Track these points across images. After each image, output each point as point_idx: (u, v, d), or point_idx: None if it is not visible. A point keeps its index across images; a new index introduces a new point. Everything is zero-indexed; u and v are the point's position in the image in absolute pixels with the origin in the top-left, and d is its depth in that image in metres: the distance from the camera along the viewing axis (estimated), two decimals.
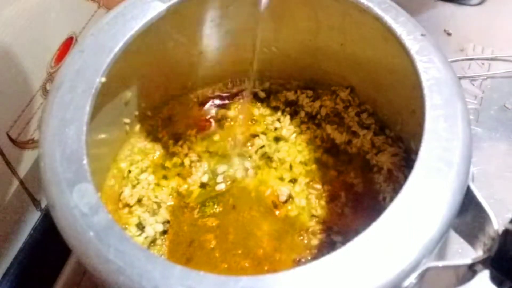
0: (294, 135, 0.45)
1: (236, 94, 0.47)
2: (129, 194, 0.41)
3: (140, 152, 0.43)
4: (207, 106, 0.47)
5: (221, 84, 0.47)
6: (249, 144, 0.44)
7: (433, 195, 0.28)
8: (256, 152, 0.44)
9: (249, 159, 0.44)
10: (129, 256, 0.27)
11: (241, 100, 0.47)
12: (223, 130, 0.45)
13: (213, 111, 0.47)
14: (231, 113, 0.46)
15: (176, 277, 0.26)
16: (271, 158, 0.43)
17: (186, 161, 0.43)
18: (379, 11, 0.36)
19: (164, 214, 0.41)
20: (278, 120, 0.46)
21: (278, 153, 0.43)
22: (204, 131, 0.45)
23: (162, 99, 0.45)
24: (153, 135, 0.44)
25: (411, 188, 0.28)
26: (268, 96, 0.47)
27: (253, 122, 0.46)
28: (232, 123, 0.46)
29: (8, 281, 0.44)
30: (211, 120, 0.46)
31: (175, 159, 0.43)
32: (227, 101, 0.47)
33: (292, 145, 0.44)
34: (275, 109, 0.46)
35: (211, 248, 0.39)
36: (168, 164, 0.43)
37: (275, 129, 0.45)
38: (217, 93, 0.47)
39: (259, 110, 0.46)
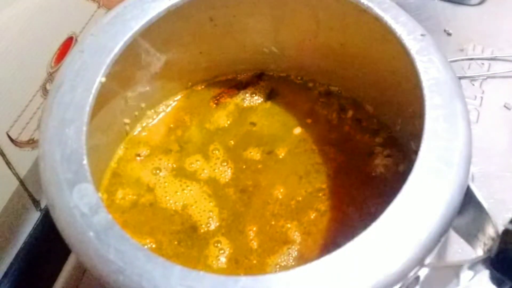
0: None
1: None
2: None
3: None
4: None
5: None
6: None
7: (433, 195, 0.28)
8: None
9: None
10: (129, 256, 0.27)
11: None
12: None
13: None
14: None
15: (176, 277, 0.26)
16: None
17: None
18: (379, 11, 0.36)
19: None
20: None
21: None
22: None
23: (162, 99, 0.45)
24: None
25: (411, 188, 0.28)
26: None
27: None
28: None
29: (8, 281, 0.44)
30: None
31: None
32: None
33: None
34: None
35: None
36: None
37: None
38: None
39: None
